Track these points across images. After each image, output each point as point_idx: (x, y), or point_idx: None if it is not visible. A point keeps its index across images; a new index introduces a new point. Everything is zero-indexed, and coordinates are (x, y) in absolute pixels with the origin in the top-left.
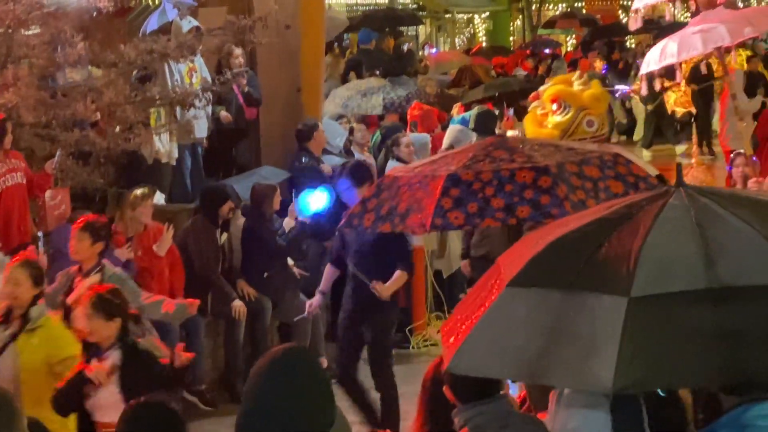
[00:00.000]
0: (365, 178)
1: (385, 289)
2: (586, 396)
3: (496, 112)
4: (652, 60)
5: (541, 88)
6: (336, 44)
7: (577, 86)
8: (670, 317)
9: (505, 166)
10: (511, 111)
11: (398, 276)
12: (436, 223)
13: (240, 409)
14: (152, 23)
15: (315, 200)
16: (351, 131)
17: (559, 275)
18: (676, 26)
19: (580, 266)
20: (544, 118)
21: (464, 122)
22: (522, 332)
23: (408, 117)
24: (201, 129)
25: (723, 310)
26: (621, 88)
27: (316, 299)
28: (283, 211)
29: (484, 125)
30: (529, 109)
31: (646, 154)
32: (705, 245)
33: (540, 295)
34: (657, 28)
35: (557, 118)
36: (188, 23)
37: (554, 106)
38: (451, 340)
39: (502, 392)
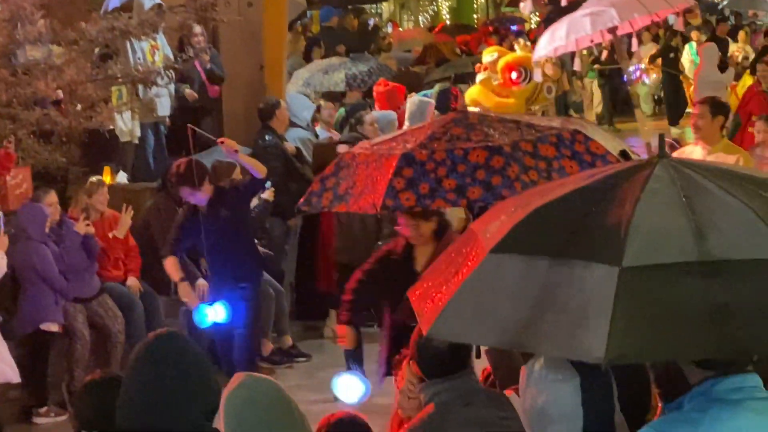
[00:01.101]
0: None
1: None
2: (556, 372)
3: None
4: (542, 45)
5: (485, 59)
6: (298, 22)
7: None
8: (661, 289)
9: (459, 145)
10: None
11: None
12: (387, 204)
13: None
14: (114, 1)
15: (213, 313)
16: (318, 109)
17: (545, 242)
18: None
19: (568, 234)
20: (502, 89)
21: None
22: (508, 299)
23: (374, 94)
24: (164, 107)
25: (715, 283)
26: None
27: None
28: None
29: (446, 104)
30: (478, 80)
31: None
32: (694, 218)
33: (526, 262)
34: None
35: (521, 86)
36: (150, 0)
37: (513, 75)
38: (425, 308)
39: (467, 369)
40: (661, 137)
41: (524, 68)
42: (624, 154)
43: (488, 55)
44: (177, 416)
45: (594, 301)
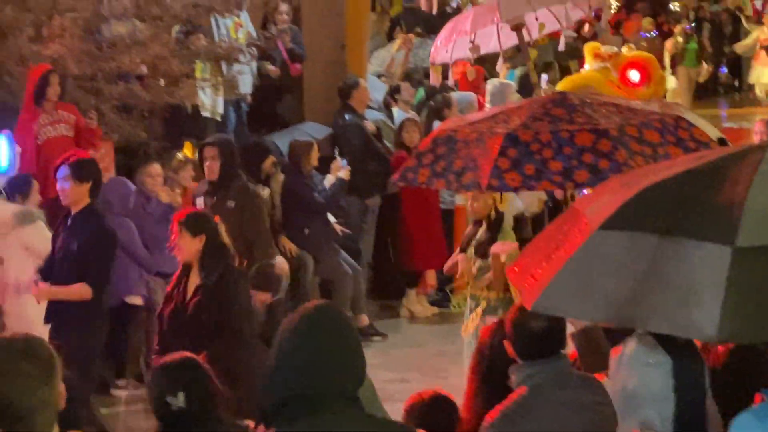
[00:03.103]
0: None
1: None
2: (648, 355)
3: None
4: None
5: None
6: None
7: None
8: None
9: (564, 126)
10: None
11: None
12: (492, 184)
13: (268, 365)
14: None
15: None
16: (397, 89)
17: (655, 220)
18: None
19: (678, 213)
20: (622, 90)
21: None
22: (613, 275)
23: (452, 75)
24: (245, 84)
25: None
26: None
27: None
28: (325, 168)
29: (527, 87)
30: (592, 68)
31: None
32: None
33: (634, 239)
34: None
35: (642, 89)
36: None
37: (635, 76)
38: (527, 284)
39: (561, 352)
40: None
41: (651, 72)
42: (722, 141)
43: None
44: (332, 382)
45: (706, 279)
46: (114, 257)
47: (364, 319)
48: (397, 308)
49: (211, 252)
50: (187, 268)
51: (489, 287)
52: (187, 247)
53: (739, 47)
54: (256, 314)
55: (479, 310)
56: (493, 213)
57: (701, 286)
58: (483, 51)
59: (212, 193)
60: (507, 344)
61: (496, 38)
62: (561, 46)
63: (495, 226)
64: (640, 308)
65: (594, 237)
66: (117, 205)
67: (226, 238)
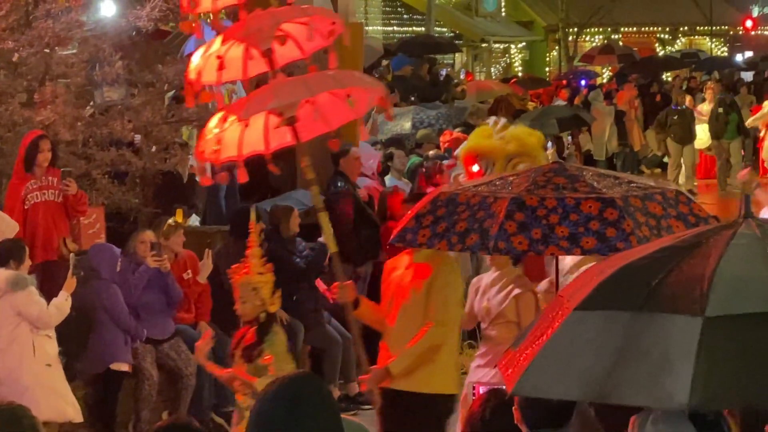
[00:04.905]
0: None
1: None
2: (671, 426)
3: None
4: None
5: (458, 150)
6: (373, 71)
7: (496, 137)
8: (745, 337)
9: (569, 194)
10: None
11: None
12: (499, 246)
13: None
14: (190, 46)
15: None
16: (390, 157)
17: (628, 297)
18: (716, 61)
19: (650, 289)
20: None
21: None
22: (590, 352)
23: (441, 144)
24: None
25: None
26: None
27: None
28: (316, 234)
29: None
30: (453, 177)
31: None
32: None
33: (608, 317)
34: (695, 61)
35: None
36: None
37: (475, 168)
38: (510, 371)
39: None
40: (747, 198)
41: (485, 159)
42: (716, 221)
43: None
44: None
45: (677, 349)
46: None
47: (355, 387)
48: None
49: None
50: None
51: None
52: None
53: (752, 122)
54: None
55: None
56: (263, 315)
57: (673, 356)
58: None
59: None
60: (515, 410)
61: None
62: None
63: (263, 329)
64: (614, 383)
65: (570, 318)
66: (104, 271)
67: None
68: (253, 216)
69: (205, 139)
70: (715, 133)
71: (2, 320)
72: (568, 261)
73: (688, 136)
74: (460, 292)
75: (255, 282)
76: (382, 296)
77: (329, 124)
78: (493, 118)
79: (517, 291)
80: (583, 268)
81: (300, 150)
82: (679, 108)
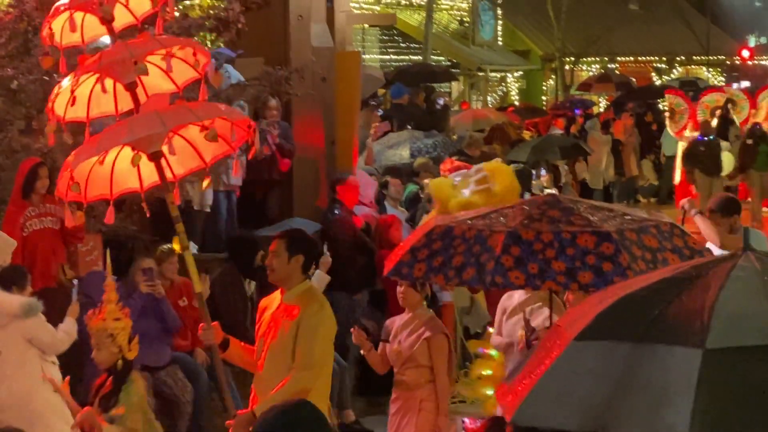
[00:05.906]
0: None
1: None
2: None
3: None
4: None
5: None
6: (371, 100)
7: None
8: (745, 370)
9: (565, 227)
10: (543, 171)
11: None
12: (496, 281)
13: None
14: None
15: None
16: (385, 185)
17: (627, 328)
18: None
19: (650, 320)
20: None
21: None
22: (588, 382)
23: (441, 172)
24: (236, 177)
25: None
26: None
27: None
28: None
29: (522, 184)
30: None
31: None
32: None
33: (607, 348)
34: (693, 89)
35: None
36: (226, 75)
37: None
38: (509, 399)
39: None
40: (746, 231)
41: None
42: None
43: None
44: None
45: (677, 381)
46: None
47: (350, 415)
48: (384, 405)
49: None
50: None
51: None
52: None
53: None
54: None
55: None
56: (120, 362)
57: (673, 388)
58: None
59: None
60: None
61: None
62: None
63: (120, 377)
64: (614, 414)
65: (570, 348)
66: (97, 297)
67: None
68: (109, 269)
69: (62, 176)
70: (743, 165)
71: (11, 346)
72: (515, 298)
73: (716, 168)
74: (330, 332)
75: (111, 328)
76: (255, 335)
77: (203, 160)
78: (475, 167)
79: (428, 334)
80: (529, 308)
81: (297, 178)
82: (705, 139)
